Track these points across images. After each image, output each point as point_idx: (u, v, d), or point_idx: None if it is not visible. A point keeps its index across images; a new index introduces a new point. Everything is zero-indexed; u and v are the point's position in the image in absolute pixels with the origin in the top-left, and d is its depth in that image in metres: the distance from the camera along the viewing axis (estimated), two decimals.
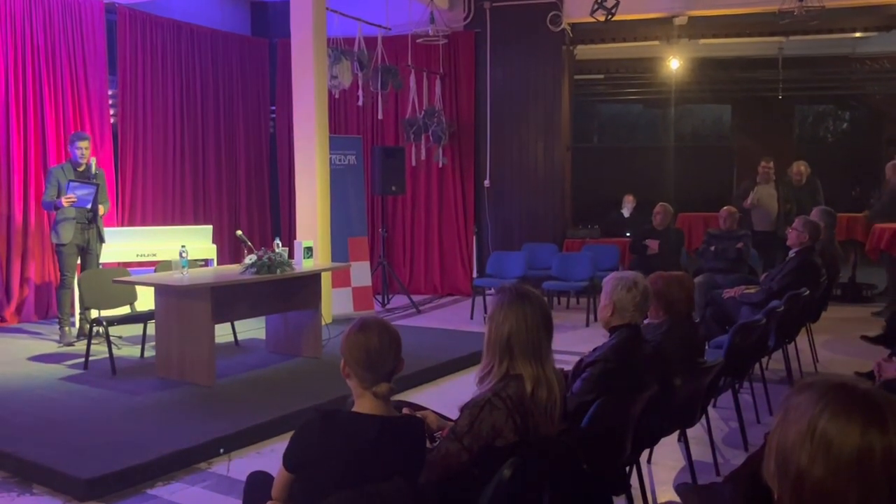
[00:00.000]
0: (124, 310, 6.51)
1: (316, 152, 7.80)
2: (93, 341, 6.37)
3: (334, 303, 8.14)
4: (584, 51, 10.99)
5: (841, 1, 8.92)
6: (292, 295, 6.36)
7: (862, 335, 6.66)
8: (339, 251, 8.50)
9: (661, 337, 3.66)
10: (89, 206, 6.97)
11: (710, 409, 4.43)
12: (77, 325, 7.31)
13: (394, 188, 9.38)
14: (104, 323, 6.06)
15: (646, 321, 3.52)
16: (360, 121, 10.87)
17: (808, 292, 5.70)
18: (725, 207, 8.13)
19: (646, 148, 16.28)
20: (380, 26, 9.36)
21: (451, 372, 6.42)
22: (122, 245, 8.12)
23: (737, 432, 4.66)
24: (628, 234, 9.72)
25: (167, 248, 7.87)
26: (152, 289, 6.02)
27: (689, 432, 4.15)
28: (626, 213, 10.66)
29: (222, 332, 6.52)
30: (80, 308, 7.09)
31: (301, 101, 7.86)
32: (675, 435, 4.25)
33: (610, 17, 8.76)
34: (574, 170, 10.93)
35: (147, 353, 6.50)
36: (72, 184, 6.90)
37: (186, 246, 6.18)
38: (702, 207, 11.05)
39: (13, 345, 7.15)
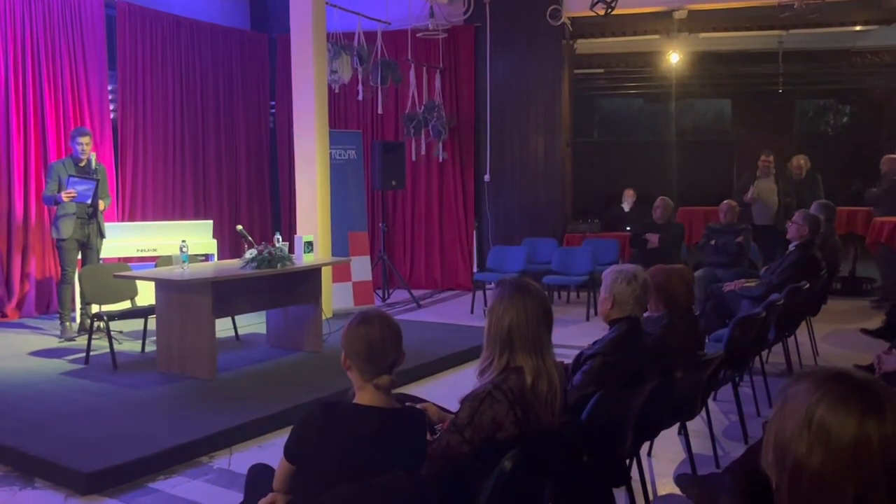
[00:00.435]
0: (125, 304, 6.52)
1: (316, 147, 7.80)
2: (94, 336, 6.38)
3: (335, 297, 8.15)
4: (584, 45, 10.98)
5: None
6: (293, 289, 6.37)
7: (862, 328, 6.68)
8: (340, 246, 8.50)
9: (661, 330, 3.66)
10: (89, 201, 6.97)
11: (710, 402, 4.44)
12: (78, 320, 7.32)
13: (394, 183, 9.38)
14: (105, 318, 6.08)
15: (646, 314, 3.52)
16: (360, 115, 10.87)
17: (808, 286, 5.71)
18: (725, 201, 8.13)
19: (646, 142, 16.26)
20: (379, 21, 9.35)
21: (452, 366, 6.44)
22: (122, 240, 8.13)
23: (737, 425, 4.67)
24: (628, 229, 9.72)
25: (167, 243, 7.87)
26: (153, 284, 6.02)
27: (690, 425, 4.16)
28: (626, 207, 10.66)
29: (223, 327, 6.53)
30: (81, 303, 7.11)
31: (301, 96, 7.86)
32: (676, 428, 4.26)
33: (610, 11, 8.74)
34: (574, 164, 10.93)
35: (148, 348, 6.51)
36: (71, 179, 6.90)
37: (187, 241, 6.19)
38: (702, 201, 11.03)
39: (14, 340, 7.16)
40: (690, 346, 3.81)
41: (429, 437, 2.53)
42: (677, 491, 3.45)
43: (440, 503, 2.39)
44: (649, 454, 4.34)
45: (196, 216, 9.87)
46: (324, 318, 6.67)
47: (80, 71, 8.71)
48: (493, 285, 2.87)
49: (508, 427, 2.44)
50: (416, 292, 9.86)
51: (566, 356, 3.48)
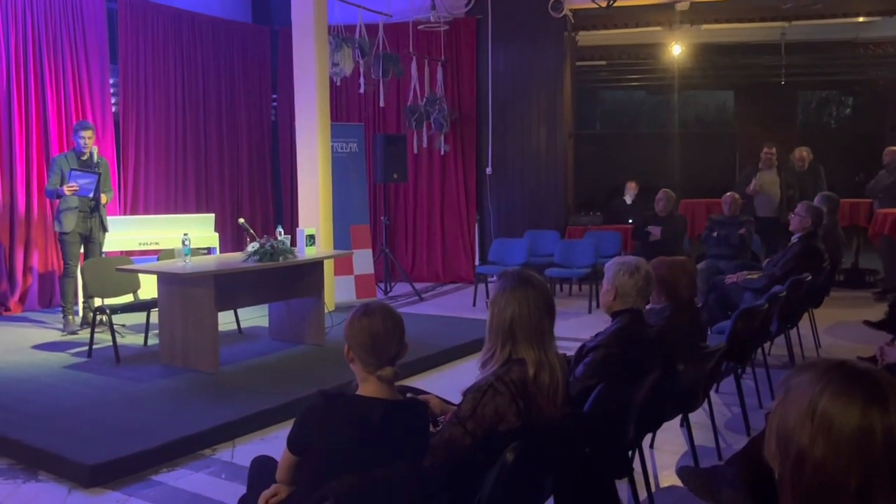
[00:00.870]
0: (127, 298, 6.53)
1: (318, 140, 7.79)
2: (96, 329, 6.38)
3: (337, 290, 8.15)
4: (586, 37, 10.95)
5: None
6: (295, 282, 6.37)
7: (864, 320, 6.66)
8: (342, 239, 8.51)
9: (663, 322, 3.66)
10: (91, 195, 6.97)
11: (712, 394, 4.45)
12: (80, 313, 7.34)
13: (396, 176, 9.37)
14: (107, 311, 6.09)
15: (648, 306, 3.52)
16: (362, 108, 10.85)
17: (810, 278, 5.70)
18: (728, 193, 8.12)
19: (648, 134, 16.23)
20: (381, 13, 9.33)
21: (454, 359, 6.44)
22: (124, 233, 8.14)
23: (739, 417, 4.67)
24: (631, 221, 9.71)
25: (170, 236, 7.88)
26: (155, 277, 6.03)
27: (692, 417, 4.16)
28: (628, 199, 10.64)
29: (226, 320, 6.54)
30: (84, 296, 7.12)
31: (302, 89, 7.84)
32: (678, 420, 4.26)
33: (612, 2, 8.72)
34: (576, 157, 10.91)
35: (150, 341, 6.52)
36: (73, 172, 6.90)
37: (189, 234, 6.19)
38: (704, 193, 11.03)
39: (17, 333, 7.17)
40: (693, 339, 3.81)
41: (431, 429, 2.53)
42: (679, 483, 3.45)
43: (442, 495, 2.39)
44: (651, 446, 4.34)
45: (198, 209, 9.88)
46: (326, 311, 6.67)
47: (81, 64, 8.70)
48: (495, 278, 2.86)
49: (510, 419, 2.44)
50: (418, 285, 9.86)
51: (568, 348, 3.48)
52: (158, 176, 9.65)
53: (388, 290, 9.67)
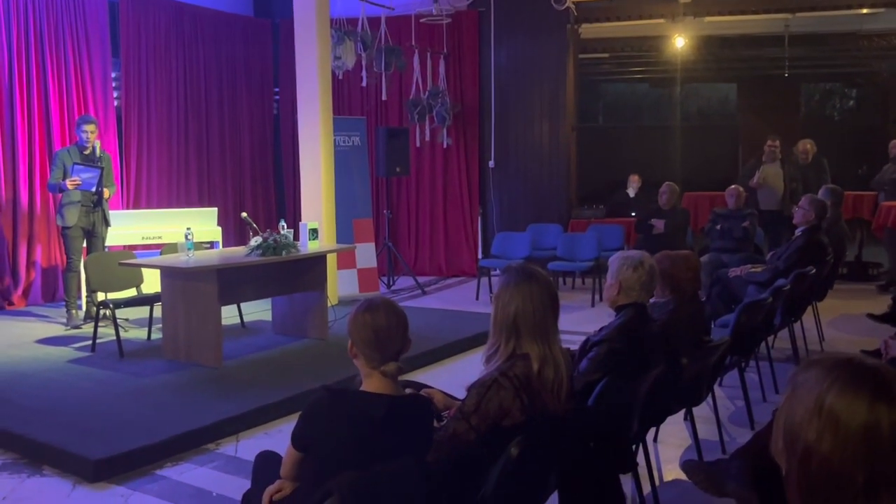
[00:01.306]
0: (131, 292, 6.54)
1: (320, 134, 7.78)
2: (100, 324, 6.39)
3: (340, 284, 8.15)
4: (588, 29, 10.91)
5: None
6: (298, 276, 6.37)
7: (868, 313, 6.65)
8: (344, 233, 8.50)
9: (667, 316, 3.66)
10: (94, 189, 6.97)
11: (716, 387, 4.44)
12: (84, 307, 7.34)
13: (398, 169, 9.36)
14: (111, 305, 6.09)
15: (651, 300, 3.51)
16: (364, 102, 10.83)
17: (814, 271, 5.69)
18: (731, 186, 8.10)
19: (651, 127, 16.21)
20: (383, 6, 9.30)
21: (458, 352, 6.44)
22: (127, 228, 8.13)
23: (743, 411, 4.67)
24: (634, 214, 9.70)
25: (172, 230, 7.88)
26: (158, 271, 6.03)
27: (696, 411, 4.16)
28: (631, 192, 10.62)
29: (229, 315, 6.54)
30: (87, 291, 7.12)
31: (304, 83, 7.83)
32: (682, 414, 4.26)
33: None
34: (579, 150, 10.89)
35: (154, 336, 6.52)
36: (76, 167, 6.90)
37: (192, 228, 6.19)
38: (708, 187, 11.01)
39: (21, 328, 7.18)
40: (696, 332, 3.81)
41: (435, 424, 2.53)
42: (683, 477, 3.45)
43: (446, 490, 2.39)
44: (655, 440, 4.35)
45: (200, 203, 9.87)
46: (329, 305, 6.67)
47: (83, 58, 8.69)
48: (498, 272, 2.86)
49: (515, 414, 2.44)
50: (421, 279, 9.86)
51: (571, 342, 3.48)
52: (161, 170, 9.64)
53: (391, 283, 9.68)
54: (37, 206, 8.33)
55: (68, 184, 6.85)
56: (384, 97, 9.55)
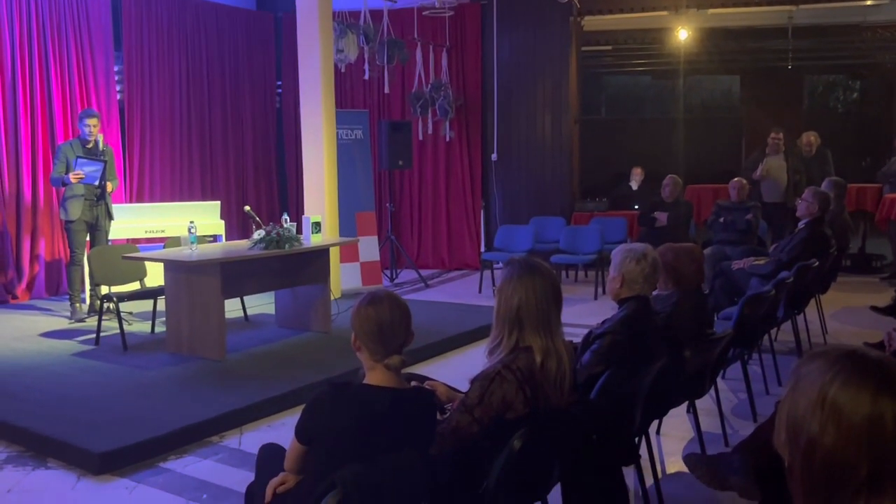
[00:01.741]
0: (134, 286, 6.55)
1: (322, 127, 7.77)
2: (103, 317, 6.41)
3: (343, 277, 8.16)
4: (591, 22, 10.88)
5: None
6: (301, 270, 6.37)
7: (871, 306, 6.65)
8: (347, 226, 8.50)
9: (670, 308, 3.65)
10: (97, 182, 6.98)
11: (719, 380, 4.44)
12: (88, 301, 7.35)
13: (401, 163, 9.35)
14: (114, 299, 6.10)
15: (654, 293, 3.51)
16: (367, 95, 10.82)
17: (817, 263, 5.68)
18: (735, 179, 8.09)
19: (654, 120, 16.17)
20: None
21: (461, 345, 6.45)
22: (130, 221, 8.15)
23: (746, 403, 4.67)
24: (637, 207, 9.69)
25: (176, 224, 7.88)
26: (162, 265, 6.04)
27: (699, 403, 4.16)
28: (634, 185, 10.62)
29: (232, 308, 6.55)
30: (91, 284, 7.13)
31: (307, 76, 7.82)
32: (685, 406, 4.26)
33: None
34: (582, 142, 10.87)
35: (158, 329, 6.54)
36: (79, 160, 6.91)
37: (195, 222, 6.19)
38: (711, 179, 10.98)
39: (25, 321, 7.20)
40: (699, 325, 3.80)
41: (438, 416, 2.54)
42: (686, 469, 3.46)
43: (450, 482, 2.40)
44: (658, 433, 4.35)
45: (203, 197, 9.88)
46: (332, 298, 6.68)
47: (86, 52, 8.69)
48: (500, 265, 2.86)
49: (518, 407, 2.44)
50: (424, 272, 9.87)
51: (574, 335, 3.48)
52: (164, 163, 9.65)
53: (394, 276, 9.68)
54: (40, 200, 8.34)
55: (71, 177, 6.85)
56: (387, 90, 9.54)
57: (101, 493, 3.77)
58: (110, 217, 7.28)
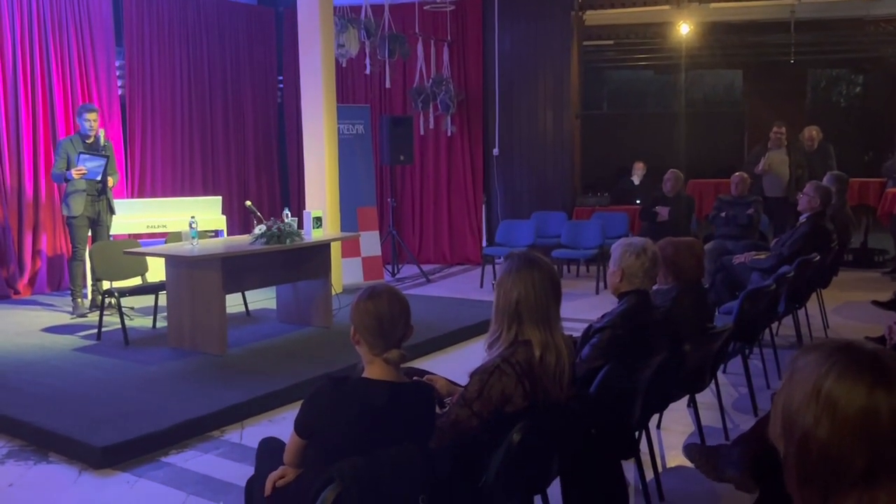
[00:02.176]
0: (136, 281, 6.55)
1: (324, 122, 7.77)
2: (105, 312, 6.42)
3: (344, 272, 8.16)
4: (593, 16, 10.85)
5: None
6: (302, 265, 6.38)
7: (873, 300, 6.64)
8: (349, 221, 8.50)
9: (670, 303, 3.65)
10: (99, 178, 6.98)
11: (719, 374, 4.45)
12: (89, 296, 7.37)
13: (402, 157, 9.35)
14: (116, 294, 6.11)
15: (654, 287, 3.51)
16: (368, 90, 10.81)
17: (818, 258, 5.68)
18: (737, 173, 8.08)
19: (656, 114, 16.12)
20: None
21: (462, 340, 6.45)
22: (132, 217, 8.16)
23: (746, 398, 4.68)
24: (638, 202, 9.68)
25: (177, 219, 7.89)
26: (163, 260, 6.04)
27: (699, 398, 4.16)
28: (636, 180, 10.60)
29: (233, 303, 6.56)
30: (92, 279, 7.13)
31: (308, 71, 7.81)
32: (685, 400, 4.27)
33: None
34: (583, 137, 10.86)
35: (159, 324, 6.55)
36: (82, 156, 6.91)
37: (196, 217, 6.20)
38: (713, 174, 10.97)
39: (27, 316, 7.21)
40: (699, 319, 3.80)
41: (438, 410, 2.54)
42: (686, 463, 3.46)
43: (449, 476, 2.40)
44: (658, 427, 4.35)
45: (205, 192, 9.87)
46: (333, 293, 6.69)
47: (87, 47, 8.69)
48: (502, 260, 2.86)
49: (517, 400, 2.45)
50: (426, 267, 9.87)
51: (575, 329, 3.48)
52: (165, 159, 9.65)
53: (396, 272, 9.68)
54: (42, 195, 8.35)
55: (74, 173, 6.85)
56: (388, 85, 9.54)
57: (102, 487, 3.78)
58: (112, 212, 7.29)
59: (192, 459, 4.09)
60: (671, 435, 4.30)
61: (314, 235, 6.56)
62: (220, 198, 8.87)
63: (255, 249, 5.87)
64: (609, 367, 2.84)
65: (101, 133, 7.17)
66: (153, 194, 9.37)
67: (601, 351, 3.07)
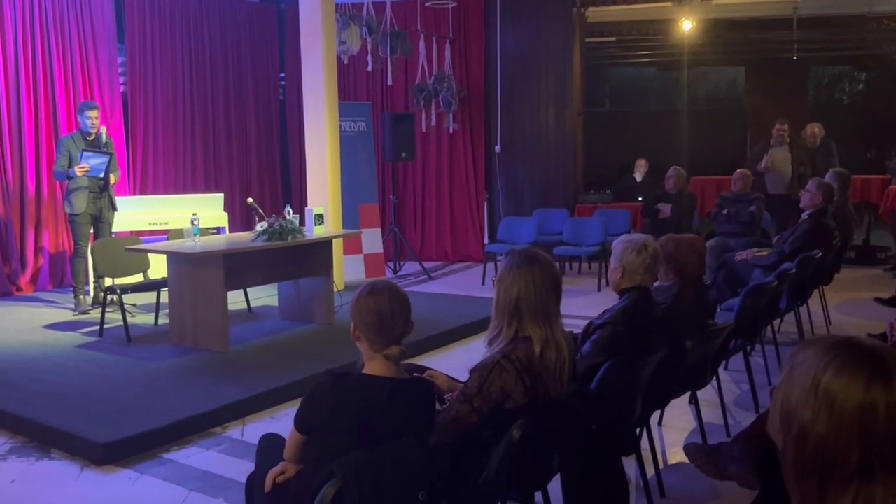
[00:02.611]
0: (137, 278, 6.56)
1: (326, 119, 7.77)
2: (107, 309, 6.43)
3: (346, 269, 8.16)
4: (595, 13, 10.84)
5: None
6: (304, 262, 6.38)
7: (875, 297, 6.64)
8: (350, 218, 8.50)
9: (671, 299, 3.65)
10: (101, 175, 6.99)
11: (721, 371, 4.44)
12: (91, 293, 7.38)
13: (404, 154, 9.34)
14: (118, 291, 6.12)
15: (656, 284, 3.51)
16: (370, 87, 10.81)
17: (820, 255, 5.67)
18: (739, 170, 8.06)
19: (658, 111, 16.09)
20: None
21: (463, 337, 6.45)
22: (134, 214, 8.16)
23: (748, 395, 4.67)
24: (640, 199, 9.67)
25: (179, 216, 7.89)
26: (165, 257, 6.05)
27: (700, 394, 4.17)
28: (638, 177, 10.59)
29: (235, 300, 6.56)
30: (94, 276, 7.15)
31: (310, 68, 7.81)
32: (686, 397, 4.27)
33: None
34: (585, 134, 10.84)
35: (161, 321, 6.56)
36: (85, 153, 6.91)
37: (198, 214, 6.20)
38: (715, 171, 10.95)
39: (29, 313, 7.22)
40: (701, 316, 3.80)
41: (438, 406, 2.54)
42: (687, 460, 3.46)
43: (449, 471, 2.41)
44: (660, 423, 4.35)
45: (207, 189, 9.88)
46: (335, 290, 6.69)
47: (89, 44, 8.69)
48: (503, 256, 2.86)
49: (517, 397, 2.45)
50: (427, 264, 9.87)
51: (577, 326, 3.48)
52: (167, 156, 9.66)
53: (398, 269, 9.68)
54: (44, 192, 8.36)
55: (77, 171, 6.86)
56: (390, 82, 9.54)
57: (104, 484, 3.79)
58: (114, 209, 7.29)
59: (193, 456, 4.10)
60: (672, 432, 4.30)
61: (316, 232, 6.56)
62: (221, 195, 8.87)
63: (256, 246, 5.87)
64: (610, 363, 2.84)
65: (103, 130, 7.18)
66: (155, 191, 9.37)
67: (602, 347, 3.07)
